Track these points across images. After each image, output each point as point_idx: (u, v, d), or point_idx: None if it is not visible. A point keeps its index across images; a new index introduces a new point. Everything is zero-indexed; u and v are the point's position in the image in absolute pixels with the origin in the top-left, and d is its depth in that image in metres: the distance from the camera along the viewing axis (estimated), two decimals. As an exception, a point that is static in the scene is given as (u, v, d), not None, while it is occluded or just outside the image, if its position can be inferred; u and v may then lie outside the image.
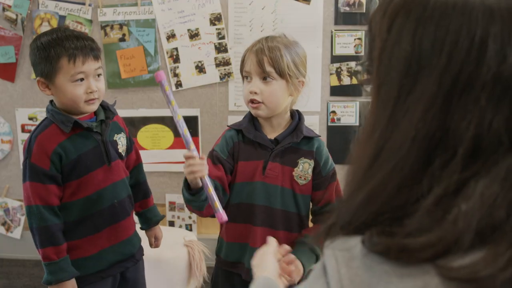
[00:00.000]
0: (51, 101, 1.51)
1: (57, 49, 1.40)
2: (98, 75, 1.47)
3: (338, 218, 0.57)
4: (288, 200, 1.48)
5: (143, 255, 1.70)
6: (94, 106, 1.48)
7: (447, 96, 0.50)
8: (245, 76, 1.46)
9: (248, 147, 1.49)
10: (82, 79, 1.43)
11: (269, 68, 1.41)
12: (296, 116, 1.52)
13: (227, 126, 1.56)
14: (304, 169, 1.48)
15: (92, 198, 1.49)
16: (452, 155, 0.50)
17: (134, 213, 1.68)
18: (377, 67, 0.56)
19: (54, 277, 1.46)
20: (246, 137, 1.48)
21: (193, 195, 1.36)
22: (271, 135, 1.49)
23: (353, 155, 0.59)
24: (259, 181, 1.46)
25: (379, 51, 0.56)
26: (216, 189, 1.38)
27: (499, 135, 0.49)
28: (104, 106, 1.56)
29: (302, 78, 1.47)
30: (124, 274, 1.63)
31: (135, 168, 1.69)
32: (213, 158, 1.49)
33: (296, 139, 1.46)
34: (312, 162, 1.48)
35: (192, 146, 1.35)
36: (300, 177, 1.48)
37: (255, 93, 1.42)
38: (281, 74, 1.42)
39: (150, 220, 1.71)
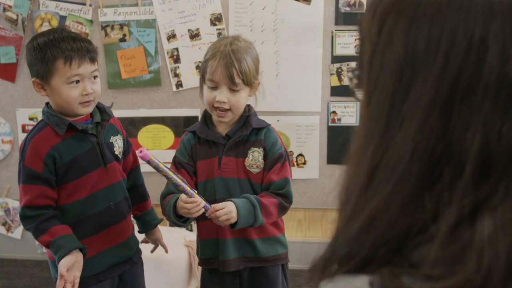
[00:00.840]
0: (47, 103, 1.51)
1: (53, 50, 1.40)
2: (94, 77, 1.47)
3: (334, 251, 0.50)
4: (246, 190, 1.53)
5: (140, 258, 1.69)
6: (89, 108, 1.48)
7: (446, 103, 0.44)
8: (211, 86, 1.49)
9: (203, 146, 1.56)
10: (77, 81, 1.42)
11: (238, 80, 1.47)
12: (247, 110, 1.57)
13: (184, 130, 1.63)
14: (254, 157, 1.53)
15: (88, 200, 1.49)
16: (459, 171, 0.44)
17: (132, 216, 1.67)
18: (367, 73, 0.50)
19: (56, 257, 1.42)
20: (200, 138, 1.56)
21: (184, 222, 1.49)
22: (223, 131, 1.56)
23: (346, 174, 0.53)
24: (217, 176, 1.53)
25: (369, 55, 0.50)
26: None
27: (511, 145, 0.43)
28: (100, 108, 1.55)
29: (259, 79, 1.56)
30: (122, 276, 1.62)
31: (133, 170, 1.68)
32: (176, 164, 1.57)
33: (246, 132, 1.53)
34: (261, 150, 1.54)
35: (194, 193, 1.41)
36: (252, 166, 1.54)
37: (224, 102, 1.47)
38: (248, 83, 1.49)
39: (149, 224, 1.70)
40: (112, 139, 1.56)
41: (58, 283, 1.39)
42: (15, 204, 2.75)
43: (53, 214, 1.45)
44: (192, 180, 1.55)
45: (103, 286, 1.55)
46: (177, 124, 2.58)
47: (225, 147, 1.53)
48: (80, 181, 1.47)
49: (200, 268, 2.15)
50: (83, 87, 1.43)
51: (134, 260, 1.63)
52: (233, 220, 1.42)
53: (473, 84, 0.43)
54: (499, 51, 0.43)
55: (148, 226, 1.71)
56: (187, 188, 1.39)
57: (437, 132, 0.45)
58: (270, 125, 1.58)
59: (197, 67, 2.51)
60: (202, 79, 1.53)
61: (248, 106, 1.59)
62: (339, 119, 2.51)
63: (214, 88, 1.48)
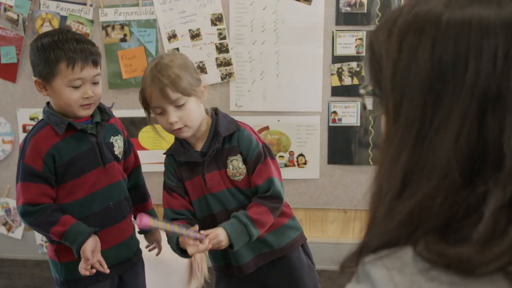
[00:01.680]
0: (48, 103, 1.52)
1: (56, 52, 1.40)
2: (96, 81, 1.47)
3: (369, 242, 0.55)
4: (238, 197, 1.52)
5: (140, 258, 1.69)
6: (89, 111, 1.49)
7: (480, 110, 0.50)
8: (158, 112, 1.45)
9: (185, 167, 1.53)
10: (79, 85, 1.43)
11: (176, 96, 1.41)
12: (213, 115, 1.54)
13: (163, 153, 1.59)
14: (234, 166, 1.50)
15: (87, 200, 1.50)
16: (498, 167, 0.50)
17: (132, 216, 1.67)
18: (391, 88, 0.56)
19: (75, 244, 1.44)
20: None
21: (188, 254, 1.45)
22: (199, 146, 1.52)
23: (376, 181, 0.58)
24: (206, 194, 1.52)
25: (391, 71, 0.55)
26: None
27: None
28: (100, 108, 1.55)
29: (202, 84, 1.50)
30: (122, 277, 1.62)
31: (134, 171, 1.68)
32: (167, 189, 1.55)
33: (218, 144, 1.49)
34: (239, 156, 1.50)
35: (197, 234, 1.40)
36: (235, 175, 1.51)
37: (175, 122, 1.43)
38: (188, 94, 1.43)
39: None
40: (112, 139, 1.56)
41: (82, 266, 1.43)
42: (15, 204, 2.74)
43: (56, 207, 1.47)
44: (185, 199, 1.54)
45: (103, 286, 1.55)
46: (178, 124, 2.58)
47: (204, 164, 1.50)
48: (79, 181, 1.48)
49: (201, 268, 2.16)
50: (84, 91, 1.43)
51: (133, 261, 1.63)
52: (225, 244, 1.42)
53: (503, 91, 0.50)
54: None
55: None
56: (190, 233, 1.38)
57: (474, 136, 0.50)
58: (240, 126, 1.52)
59: (198, 67, 2.50)
60: (150, 110, 1.49)
61: (214, 109, 1.56)
62: (340, 119, 2.51)
63: (162, 113, 1.44)
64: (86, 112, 1.48)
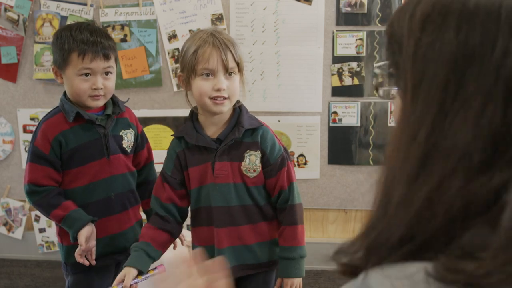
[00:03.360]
0: (65, 92, 1.59)
1: (70, 42, 1.49)
2: (107, 74, 1.53)
3: (379, 236, 0.52)
4: (243, 195, 1.47)
5: None
6: (99, 103, 1.54)
7: (505, 91, 0.49)
8: (206, 74, 1.39)
9: (193, 152, 1.47)
10: (88, 74, 1.50)
11: (233, 64, 1.39)
12: (237, 109, 1.48)
13: (171, 135, 1.55)
14: (251, 161, 1.46)
15: (88, 188, 1.56)
16: None
17: (142, 210, 1.72)
18: (411, 67, 0.54)
19: (72, 230, 1.51)
20: (189, 143, 1.47)
21: None
22: (214, 133, 1.47)
23: (389, 164, 0.56)
24: (211, 183, 1.46)
25: (413, 50, 0.54)
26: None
27: None
28: (114, 102, 1.62)
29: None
30: (118, 267, 1.65)
31: (146, 166, 1.72)
32: (162, 176, 1.52)
33: (238, 134, 1.43)
34: (258, 153, 1.45)
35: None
36: (249, 170, 1.46)
37: (223, 89, 1.38)
38: (240, 68, 1.42)
39: None
40: (122, 132, 1.62)
41: (77, 253, 1.50)
42: (16, 204, 2.75)
43: (60, 191, 1.54)
44: (176, 193, 1.49)
45: (99, 272, 1.60)
46: (178, 124, 2.58)
47: (217, 152, 1.44)
48: (83, 169, 1.54)
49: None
50: (93, 81, 1.50)
51: (129, 252, 1.64)
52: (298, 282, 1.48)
53: None
54: None
55: None
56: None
57: (497, 118, 0.49)
58: (264, 124, 1.49)
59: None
60: (192, 72, 1.40)
61: (238, 101, 1.50)
62: (340, 120, 2.51)
63: (209, 76, 1.39)
64: (95, 103, 1.53)
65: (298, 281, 1.43)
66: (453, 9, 0.52)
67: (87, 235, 1.50)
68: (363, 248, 0.54)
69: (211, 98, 1.39)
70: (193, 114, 1.50)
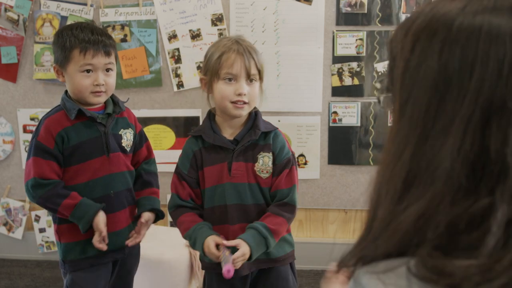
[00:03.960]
0: (66, 91, 1.61)
1: (71, 40, 1.51)
2: (108, 70, 1.56)
3: (366, 250, 0.55)
4: (257, 194, 1.52)
5: (135, 249, 1.71)
6: (101, 99, 1.57)
7: (483, 118, 0.50)
8: (229, 78, 1.46)
9: (210, 152, 1.53)
10: (90, 71, 1.52)
11: (254, 71, 1.47)
12: (253, 114, 1.56)
13: (188, 134, 1.59)
14: (264, 163, 1.52)
15: (88, 186, 1.57)
16: (502, 176, 0.49)
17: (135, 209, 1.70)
18: (400, 86, 0.56)
19: (86, 217, 1.52)
20: (206, 142, 1.52)
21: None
22: (230, 134, 1.53)
23: (377, 178, 0.58)
24: (227, 182, 1.51)
25: (402, 70, 0.56)
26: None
27: None
28: (114, 101, 1.64)
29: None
30: (115, 265, 1.67)
31: (144, 162, 1.72)
32: (178, 175, 1.55)
33: (255, 136, 1.50)
34: (270, 155, 1.52)
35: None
36: (262, 171, 1.52)
37: (244, 94, 1.46)
38: (261, 76, 1.50)
39: (142, 207, 1.67)
40: (122, 131, 1.63)
41: (96, 239, 1.53)
42: (16, 204, 2.75)
43: (64, 184, 1.55)
44: (193, 191, 1.54)
45: (97, 270, 1.61)
46: (178, 125, 2.58)
47: (234, 152, 1.50)
48: (83, 166, 1.56)
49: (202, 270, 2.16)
50: (95, 77, 1.53)
51: (126, 250, 1.66)
52: (247, 257, 1.44)
53: (507, 102, 0.49)
54: None
55: (141, 209, 1.67)
56: (227, 255, 1.42)
57: (477, 143, 0.50)
58: (277, 128, 1.57)
59: (198, 67, 2.51)
60: (215, 76, 1.48)
61: (254, 108, 1.58)
62: (340, 120, 2.51)
63: (232, 81, 1.46)
64: (96, 100, 1.56)
65: (248, 253, 1.43)
66: (439, 33, 0.53)
67: (104, 221, 1.53)
68: (353, 258, 0.56)
69: (232, 102, 1.46)
70: (211, 114, 1.57)
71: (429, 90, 0.53)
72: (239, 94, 1.45)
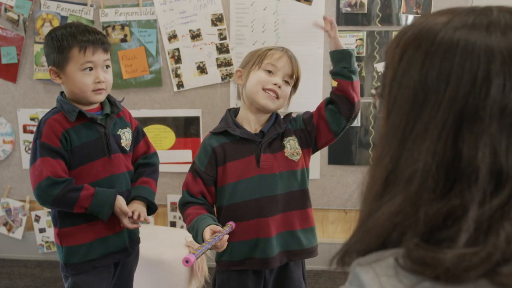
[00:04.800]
0: (62, 92, 1.59)
1: (69, 40, 1.49)
2: (107, 67, 1.55)
3: (350, 246, 0.59)
4: (290, 182, 1.54)
5: (135, 249, 1.71)
6: (101, 97, 1.56)
7: (456, 125, 0.54)
8: (269, 70, 1.52)
9: (235, 146, 1.53)
10: (91, 69, 1.51)
11: (295, 73, 1.56)
12: (274, 114, 1.60)
13: (209, 132, 1.60)
14: (292, 146, 1.56)
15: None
16: (473, 181, 0.53)
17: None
18: (388, 93, 0.61)
19: (107, 204, 1.53)
20: (232, 137, 1.53)
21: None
22: (253, 129, 1.56)
23: (365, 179, 0.63)
24: (255, 175, 1.51)
25: (390, 78, 0.61)
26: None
27: None
28: (110, 101, 1.63)
29: None
30: (117, 267, 1.67)
31: (143, 157, 1.71)
32: (193, 171, 1.56)
33: (280, 129, 1.55)
34: (294, 137, 1.57)
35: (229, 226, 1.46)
36: (293, 154, 1.55)
37: (279, 86, 1.51)
38: (297, 78, 1.58)
39: (130, 197, 1.65)
40: (120, 131, 1.62)
41: (127, 223, 1.55)
42: (16, 204, 2.75)
43: (74, 181, 1.53)
44: (208, 189, 1.54)
45: (100, 272, 1.60)
46: (178, 125, 2.58)
47: (262, 144, 1.52)
48: (85, 168, 1.54)
49: (202, 268, 2.15)
50: (96, 75, 1.52)
51: (129, 250, 1.66)
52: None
53: (479, 111, 0.53)
54: (500, 85, 0.53)
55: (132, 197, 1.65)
56: (223, 232, 1.41)
57: (450, 147, 0.54)
58: (291, 112, 1.65)
59: (198, 68, 2.51)
60: (256, 65, 1.53)
61: None
62: (340, 120, 2.50)
63: (271, 73, 1.52)
64: (98, 98, 1.55)
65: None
66: (423, 45, 0.58)
67: (125, 203, 1.56)
68: (339, 254, 0.61)
69: (264, 89, 1.51)
70: (231, 112, 1.61)
71: (410, 98, 0.58)
72: (275, 84, 1.50)
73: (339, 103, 1.56)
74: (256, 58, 1.54)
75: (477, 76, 0.54)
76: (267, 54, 1.53)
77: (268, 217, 1.50)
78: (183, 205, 1.56)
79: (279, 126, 1.55)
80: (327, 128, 1.57)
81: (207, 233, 1.40)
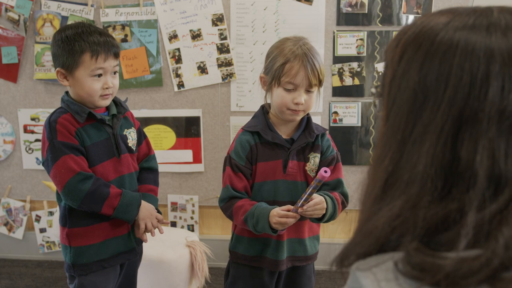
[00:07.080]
0: (67, 92, 1.57)
1: (81, 43, 1.47)
2: (115, 72, 1.55)
3: (349, 251, 0.58)
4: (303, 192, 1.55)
5: (141, 249, 1.72)
6: (107, 101, 1.55)
7: (455, 127, 0.53)
8: (290, 89, 1.48)
9: (265, 148, 1.56)
10: (100, 75, 1.50)
11: (315, 81, 1.48)
12: (305, 116, 1.59)
13: (241, 128, 1.60)
14: (315, 163, 1.58)
15: None
16: (471, 184, 0.52)
17: None
18: (387, 94, 0.60)
19: (136, 203, 1.54)
20: (263, 138, 1.54)
21: (274, 232, 1.48)
22: (284, 134, 1.57)
23: (365, 180, 0.62)
24: (280, 179, 1.55)
25: (390, 79, 0.60)
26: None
27: None
28: (116, 102, 1.62)
29: None
30: (122, 268, 1.67)
31: (145, 160, 1.71)
32: (233, 166, 1.55)
33: (310, 138, 1.55)
34: (319, 155, 1.58)
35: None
36: (312, 171, 1.57)
37: (301, 104, 1.48)
38: (321, 85, 1.52)
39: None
40: (126, 131, 1.63)
41: (142, 230, 1.57)
42: (16, 204, 2.75)
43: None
44: (248, 182, 1.56)
45: (107, 273, 1.59)
46: (179, 125, 2.58)
47: (290, 151, 1.54)
48: (96, 169, 1.53)
49: (202, 268, 2.15)
50: (104, 81, 1.51)
51: (137, 250, 1.67)
52: (323, 213, 1.47)
53: (477, 113, 0.52)
54: (499, 87, 0.52)
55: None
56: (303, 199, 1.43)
57: (448, 150, 0.53)
58: (326, 130, 1.63)
59: (199, 68, 2.51)
60: (276, 82, 1.49)
61: None
62: (341, 120, 2.51)
63: (292, 90, 1.48)
64: (104, 103, 1.54)
65: (324, 203, 1.47)
66: (423, 45, 0.57)
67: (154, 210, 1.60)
68: (338, 258, 0.60)
69: (289, 109, 1.49)
70: (264, 109, 1.60)
71: (410, 99, 0.57)
72: (297, 104, 1.48)
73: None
74: (274, 73, 1.49)
75: (477, 77, 0.53)
76: (284, 70, 1.46)
77: None
78: (228, 199, 1.55)
79: (309, 135, 1.55)
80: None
81: (278, 209, 1.43)
